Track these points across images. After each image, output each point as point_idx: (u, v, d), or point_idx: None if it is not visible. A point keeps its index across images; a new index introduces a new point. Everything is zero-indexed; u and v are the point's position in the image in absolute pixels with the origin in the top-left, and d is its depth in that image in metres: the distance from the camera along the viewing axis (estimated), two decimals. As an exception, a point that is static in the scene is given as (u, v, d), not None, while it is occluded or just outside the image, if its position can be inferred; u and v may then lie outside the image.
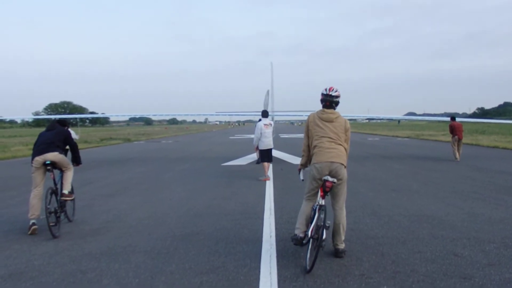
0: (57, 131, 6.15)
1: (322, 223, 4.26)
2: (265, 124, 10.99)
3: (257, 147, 11.19)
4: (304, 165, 4.94)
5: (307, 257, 4.22)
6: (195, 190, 9.37)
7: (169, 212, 7.04)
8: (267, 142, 10.94)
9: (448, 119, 17.02)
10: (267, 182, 10.27)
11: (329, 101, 4.72)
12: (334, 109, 4.76)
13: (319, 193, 4.52)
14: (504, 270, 4.17)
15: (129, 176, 12.12)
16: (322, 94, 4.75)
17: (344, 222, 4.65)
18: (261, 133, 10.86)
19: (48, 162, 5.83)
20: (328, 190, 4.44)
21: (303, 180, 4.93)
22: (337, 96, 4.73)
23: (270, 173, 11.52)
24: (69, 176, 6.16)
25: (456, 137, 15.48)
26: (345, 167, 4.55)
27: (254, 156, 11.54)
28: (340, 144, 4.58)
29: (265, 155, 11.03)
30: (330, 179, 4.39)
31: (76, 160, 6.51)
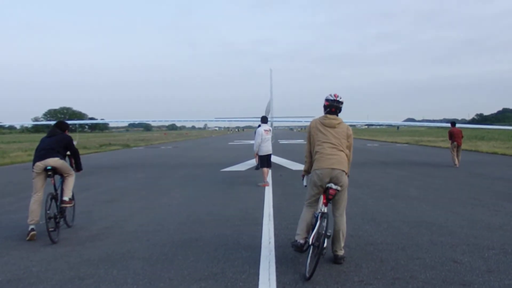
0: (58, 137, 6.16)
1: (323, 232, 4.21)
2: (265, 130, 11.03)
3: (257, 153, 11.23)
4: (307, 171, 4.86)
5: (307, 264, 4.18)
6: (194, 196, 9.36)
7: (168, 218, 7.02)
8: (267, 148, 10.98)
9: (449, 125, 17.02)
10: (266, 188, 10.26)
11: (335, 107, 4.71)
12: (337, 115, 4.76)
13: (321, 200, 4.48)
14: (503, 276, 4.16)
15: (128, 182, 12.10)
16: (328, 100, 4.73)
17: (344, 229, 4.63)
18: (261, 139, 10.89)
19: (49, 167, 5.84)
20: (331, 198, 4.39)
21: (306, 186, 4.84)
22: (342, 103, 4.74)
23: (269, 179, 11.52)
24: (70, 182, 6.15)
25: (455, 143, 15.50)
26: (346, 173, 4.53)
27: (253, 162, 11.60)
28: (342, 150, 4.56)
29: (265, 161, 11.05)
30: (333, 186, 4.36)
31: (77, 166, 6.52)
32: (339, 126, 4.65)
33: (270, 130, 11.25)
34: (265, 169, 11.03)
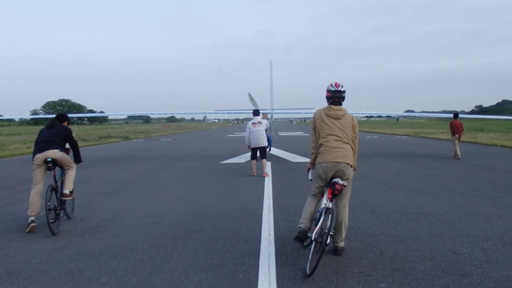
0: (58, 130, 6.13)
1: (327, 230, 4.14)
2: (253, 123, 11.06)
3: (249, 146, 11.28)
4: (314, 164, 4.69)
5: (308, 260, 4.08)
6: (194, 188, 9.36)
7: (168, 210, 7.03)
8: (256, 140, 10.99)
9: (449, 115, 16.82)
10: (266, 179, 10.27)
11: (338, 97, 4.62)
12: (341, 105, 4.68)
13: (326, 195, 4.41)
14: (502, 267, 4.18)
15: (127, 174, 12.10)
16: (329, 91, 4.63)
17: (346, 221, 4.61)
18: (249, 132, 10.93)
19: (49, 159, 5.83)
20: (337, 193, 4.32)
21: (311, 179, 4.73)
22: (344, 91, 4.65)
23: (268, 171, 11.53)
24: (71, 175, 6.14)
25: (457, 135, 15.41)
26: (351, 166, 4.49)
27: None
28: (347, 143, 4.51)
29: (255, 153, 11.14)
30: (340, 182, 4.30)
31: (76, 158, 6.50)
32: (344, 117, 4.58)
33: (259, 122, 11.18)
34: (253, 161, 11.17)
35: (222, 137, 37.43)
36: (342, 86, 4.63)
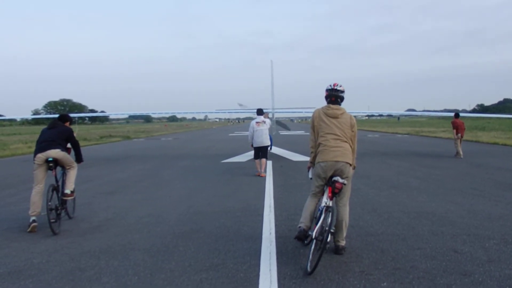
0: (60, 130, 6.14)
1: (327, 228, 4.14)
2: (257, 122, 11.04)
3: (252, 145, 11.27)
4: (314, 162, 4.70)
5: (309, 259, 4.08)
6: (195, 187, 9.36)
7: (169, 209, 7.03)
8: (260, 139, 10.98)
9: (450, 114, 16.83)
10: (267, 179, 10.27)
11: (335, 96, 4.66)
12: (340, 104, 4.71)
13: (327, 193, 4.41)
14: (504, 266, 4.16)
15: (128, 173, 12.10)
16: (327, 90, 4.69)
17: (347, 219, 4.62)
18: (253, 131, 10.92)
19: (50, 159, 5.83)
20: (337, 191, 4.32)
21: (311, 178, 4.74)
22: (342, 91, 4.69)
23: (269, 170, 11.52)
24: (72, 175, 6.14)
25: (459, 134, 15.39)
26: (350, 165, 4.50)
27: (253, 153, 11.66)
28: (346, 141, 4.52)
29: (258, 153, 11.11)
30: (340, 180, 4.30)
31: (77, 158, 6.51)
32: (342, 116, 4.60)
33: (263, 122, 11.18)
34: (257, 161, 11.12)
35: (223, 136, 37.44)
36: (340, 86, 4.69)
